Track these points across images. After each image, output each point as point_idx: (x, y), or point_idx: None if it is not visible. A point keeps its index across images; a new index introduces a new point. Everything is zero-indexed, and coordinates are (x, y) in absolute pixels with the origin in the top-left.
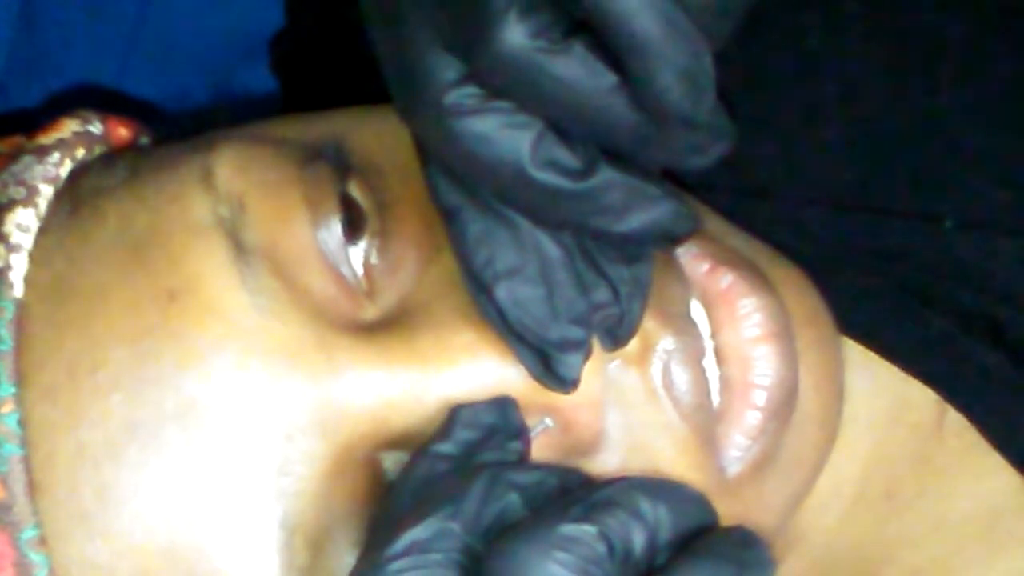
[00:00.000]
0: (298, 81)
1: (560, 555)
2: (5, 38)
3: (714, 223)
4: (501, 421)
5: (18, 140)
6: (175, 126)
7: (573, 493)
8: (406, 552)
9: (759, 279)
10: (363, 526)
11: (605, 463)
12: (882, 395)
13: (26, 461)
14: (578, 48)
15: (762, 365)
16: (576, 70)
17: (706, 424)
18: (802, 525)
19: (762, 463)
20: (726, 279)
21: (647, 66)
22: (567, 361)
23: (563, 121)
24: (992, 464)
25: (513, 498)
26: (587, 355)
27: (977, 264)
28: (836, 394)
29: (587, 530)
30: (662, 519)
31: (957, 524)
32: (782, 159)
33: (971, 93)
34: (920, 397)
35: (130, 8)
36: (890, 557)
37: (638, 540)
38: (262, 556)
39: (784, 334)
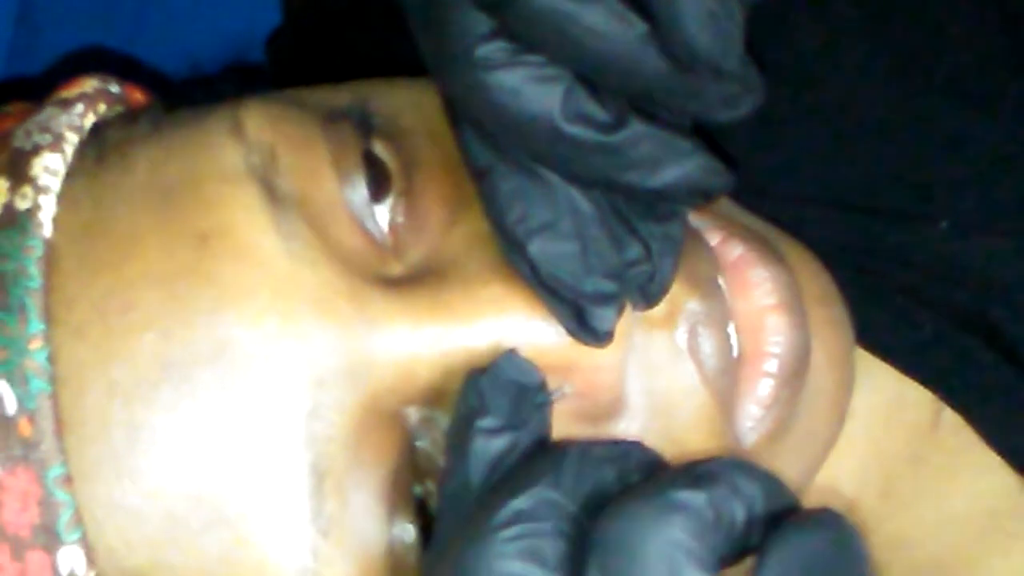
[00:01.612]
0: (294, 77)
1: (676, 518)
2: (4, 39)
3: (726, 204)
4: (522, 377)
5: (23, 105)
6: (183, 94)
7: (670, 467)
8: (511, 522)
9: (770, 252)
10: (391, 480)
11: (624, 430)
12: (878, 395)
13: (55, 398)
14: None
15: (774, 334)
16: (606, 19)
17: (727, 390)
18: None
19: (776, 434)
20: (737, 250)
21: (674, 11)
22: (601, 314)
23: (594, 73)
24: (988, 463)
25: (607, 471)
26: (621, 309)
27: (972, 265)
28: (848, 371)
29: (698, 496)
30: (756, 497)
31: (954, 523)
32: (778, 159)
33: (968, 93)
34: (916, 397)
35: (129, 9)
36: (887, 556)
37: (739, 513)
38: (292, 502)
39: (795, 304)
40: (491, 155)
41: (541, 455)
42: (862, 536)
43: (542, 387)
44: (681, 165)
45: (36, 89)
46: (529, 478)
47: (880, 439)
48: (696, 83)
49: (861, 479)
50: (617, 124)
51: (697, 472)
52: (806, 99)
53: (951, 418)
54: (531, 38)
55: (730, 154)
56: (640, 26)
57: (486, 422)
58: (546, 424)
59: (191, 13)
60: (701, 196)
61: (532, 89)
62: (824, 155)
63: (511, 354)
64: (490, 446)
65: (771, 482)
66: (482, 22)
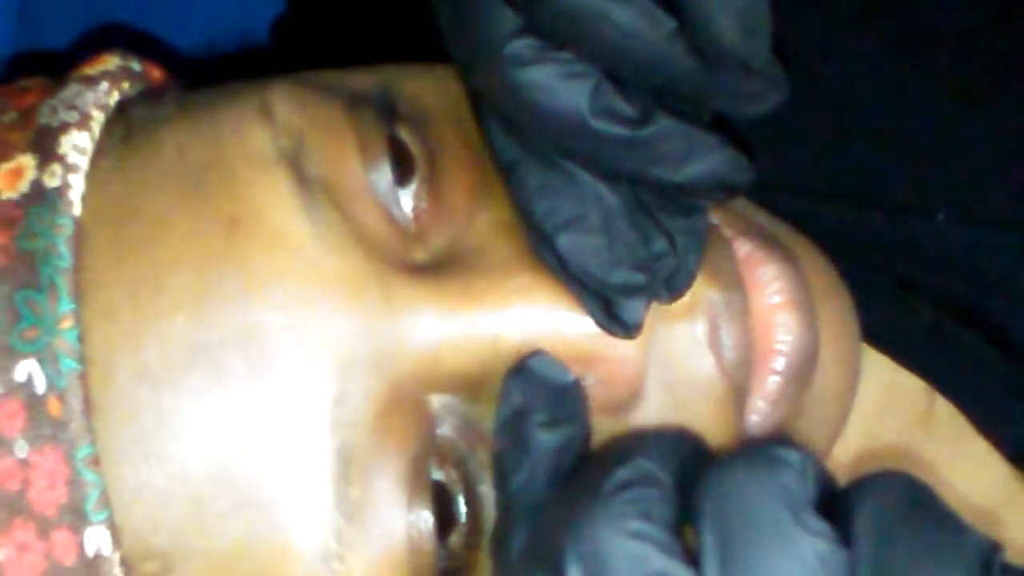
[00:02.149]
0: (298, 66)
1: (787, 468)
2: (4, 40)
3: (738, 200)
4: (557, 375)
5: (42, 80)
6: (198, 75)
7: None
8: (622, 488)
9: (779, 249)
10: (411, 466)
11: (641, 420)
12: (873, 385)
13: (84, 378)
14: None
15: (783, 332)
16: (635, 17)
17: (743, 384)
18: None
19: (781, 428)
20: (747, 247)
21: (704, 9)
22: (630, 305)
23: (622, 69)
24: (982, 453)
25: (683, 448)
26: (649, 300)
27: (969, 257)
28: (854, 366)
29: (795, 454)
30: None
31: None
32: (775, 152)
33: (965, 85)
34: (910, 387)
35: (128, 9)
36: None
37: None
38: (317, 486)
39: (804, 302)
40: (518, 150)
41: (619, 439)
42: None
43: (576, 385)
44: (707, 160)
45: (46, 64)
46: (623, 452)
47: (874, 428)
48: (723, 80)
49: (855, 468)
50: (644, 120)
51: (778, 440)
52: (803, 93)
53: (945, 408)
54: (559, 35)
55: (751, 149)
56: (668, 23)
57: (539, 417)
58: (588, 419)
59: (192, 9)
60: (726, 191)
61: (561, 85)
62: (822, 148)
63: (541, 355)
64: (551, 439)
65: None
66: (510, 19)
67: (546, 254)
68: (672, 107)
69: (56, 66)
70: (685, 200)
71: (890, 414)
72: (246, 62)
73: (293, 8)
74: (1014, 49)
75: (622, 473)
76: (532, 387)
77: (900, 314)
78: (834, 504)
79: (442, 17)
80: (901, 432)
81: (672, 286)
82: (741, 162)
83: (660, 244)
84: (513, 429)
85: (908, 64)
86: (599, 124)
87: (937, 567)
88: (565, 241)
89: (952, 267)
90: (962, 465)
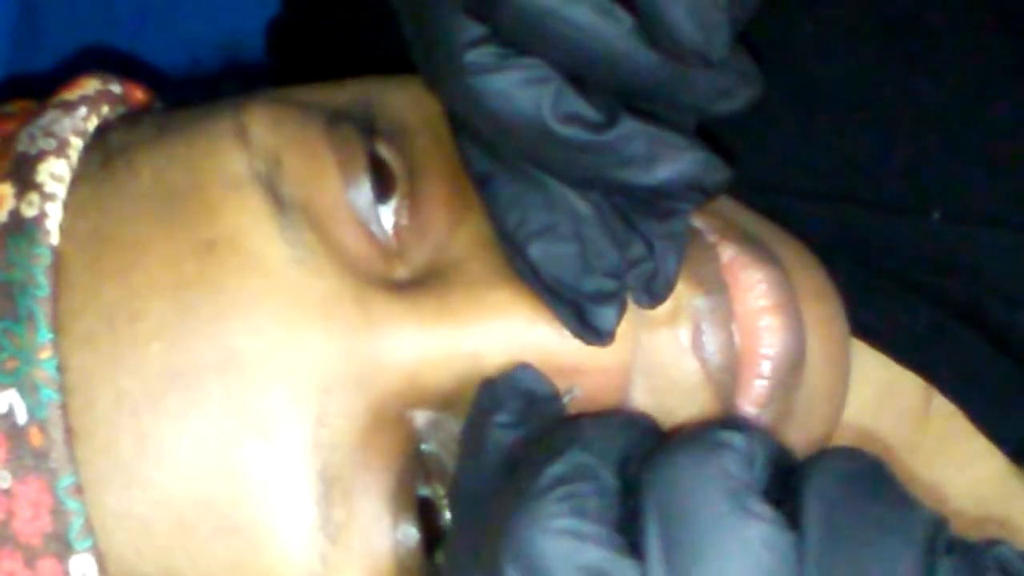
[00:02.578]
0: (294, 64)
1: (729, 452)
2: (4, 40)
3: (724, 202)
4: (535, 386)
5: (25, 103)
6: (185, 94)
7: (688, 426)
8: (553, 485)
9: (763, 252)
10: (396, 483)
11: None
12: (869, 383)
13: (64, 408)
14: None
15: (767, 335)
16: (591, 14)
17: (728, 389)
18: None
19: (771, 431)
20: (731, 251)
21: (657, 2)
22: (602, 312)
23: (584, 69)
24: (979, 450)
25: (627, 434)
26: (622, 307)
27: (965, 255)
28: (844, 367)
29: (739, 437)
30: (776, 451)
31: (944, 510)
32: (771, 150)
33: (962, 85)
34: (907, 385)
35: (130, 10)
36: None
37: (761, 457)
38: (300, 508)
39: (789, 306)
40: (490, 162)
41: (558, 429)
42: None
43: (555, 396)
44: (676, 161)
45: (37, 86)
46: (559, 446)
47: (871, 426)
48: (688, 75)
49: None
50: (608, 123)
51: (724, 422)
52: (799, 92)
53: (942, 406)
54: (520, 40)
55: (729, 149)
56: (626, 19)
57: (501, 418)
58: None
59: (192, 9)
60: (700, 192)
61: (522, 92)
62: (817, 147)
63: (524, 366)
64: (505, 438)
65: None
66: (471, 28)
67: (519, 264)
68: (646, 109)
69: (47, 89)
70: (660, 203)
71: (887, 412)
72: (239, 74)
73: (289, 9)
74: (1011, 49)
75: (554, 469)
76: (505, 393)
77: (898, 312)
78: (789, 483)
79: (406, 29)
80: (898, 430)
81: (652, 291)
82: (714, 162)
83: (638, 249)
84: (472, 430)
85: (906, 64)
86: (562, 129)
87: (883, 545)
88: (536, 251)
89: (948, 266)
90: (959, 462)
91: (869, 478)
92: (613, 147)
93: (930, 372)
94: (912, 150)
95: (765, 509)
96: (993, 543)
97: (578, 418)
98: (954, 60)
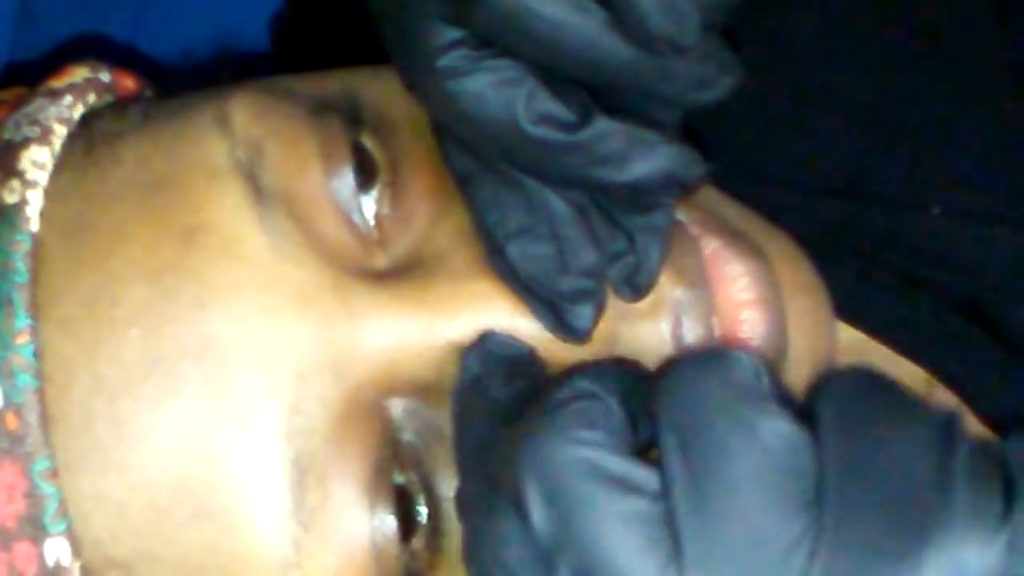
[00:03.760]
0: (297, 59)
1: (741, 359)
2: (4, 40)
3: (710, 194)
4: (512, 349)
5: (19, 90)
6: (177, 82)
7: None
8: (563, 403)
9: (746, 245)
10: (373, 472)
11: None
12: None
13: (41, 393)
14: None
15: (748, 328)
16: (565, 9)
17: None
18: None
19: None
20: (713, 244)
21: None
22: (579, 312)
23: (562, 66)
24: None
25: (627, 372)
26: (600, 306)
27: (964, 250)
28: (828, 361)
29: (737, 352)
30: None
31: None
32: (773, 146)
33: (961, 82)
34: (909, 377)
35: (129, 9)
36: None
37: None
38: (274, 494)
39: (770, 298)
40: (470, 162)
41: (558, 375)
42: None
43: (532, 353)
44: (650, 157)
45: (34, 74)
46: (562, 380)
47: None
48: (664, 65)
49: None
50: (582, 122)
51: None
52: (800, 87)
53: (943, 400)
54: (496, 40)
55: (704, 143)
56: (599, 13)
57: (493, 381)
58: (545, 376)
59: (193, 11)
60: (677, 186)
61: (495, 94)
62: (817, 141)
63: (493, 332)
64: (506, 391)
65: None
66: (445, 32)
67: (498, 263)
68: (625, 107)
69: (42, 76)
70: (639, 199)
71: None
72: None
73: (291, 4)
74: (1011, 47)
75: (562, 393)
76: (489, 357)
77: (899, 305)
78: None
79: (383, 33)
80: None
81: (634, 284)
82: (690, 156)
83: (620, 243)
84: (471, 392)
85: (906, 61)
86: (535, 130)
87: (901, 428)
88: (514, 251)
89: (948, 261)
90: None
91: (880, 385)
92: (587, 146)
93: (932, 364)
94: (912, 146)
95: (781, 408)
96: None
97: (576, 364)
98: (954, 57)
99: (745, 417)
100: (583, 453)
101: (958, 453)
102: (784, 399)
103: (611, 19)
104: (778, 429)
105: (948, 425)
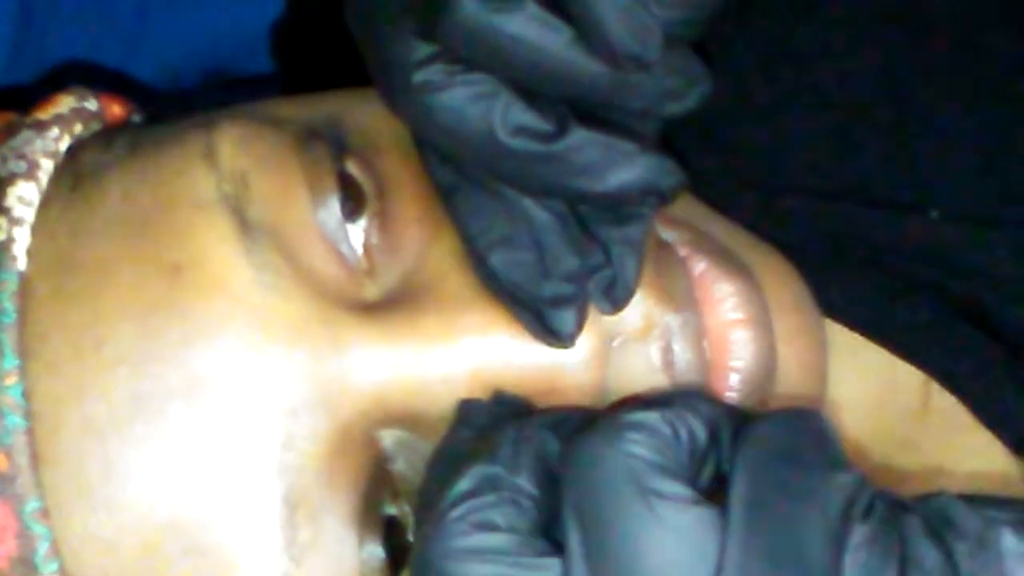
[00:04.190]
0: (298, 65)
1: (633, 435)
2: (4, 40)
3: (696, 209)
4: (510, 406)
5: (10, 116)
6: (166, 105)
7: (624, 403)
8: (458, 503)
9: (735, 266)
10: (362, 504)
11: None
12: (869, 379)
13: (30, 433)
14: (531, 5)
15: (737, 348)
16: (531, 27)
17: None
18: None
19: None
20: (701, 264)
21: (588, 10)
22: (560, 316)
23: (531, 82)
24: (978, 446)
25: (546, 434)
26: (581, 311)
27: (963, 253)
28: (820, 378)
29: (652, 415)
30: (721, 418)
31: None
32: (770, 149)
33: (960, 84)
34: (907, 380)
35: (129, 9)
36: None
37: (699, 431)
38: (265, 531)
39: (758, 318)
40: (452, 175)
41: (483, 439)
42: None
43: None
44: (628, 167)
45: (25, 97)
46: (469, 460)
47: (870, 423)
48: (631, 80)
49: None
50: (559, 132)
51: (649, 399)
52: (800, 91)
53: (940, 402)
54: (465, 54)
55: (681, 153)
56: (565, 31)
57: (462, 432)
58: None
59: (193, 8)
60: (655, 196)
61: (471, 107)
62: (816, 145)
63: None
64: (462, 448)
65: (732, 405)
66: (420, 48)
67: (482, 273)
68: (601, 118)
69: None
70: (622, 209)
71: (886, 408)
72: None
73: (293, 7)
74: (1011, 46)
75: (460, 486)
76: (474, 409)
77: (898, 307)
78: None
79: (361, 49)
80: (898, 426)
81: (612, 297)
82: (667, 166)
83: (596, 256)
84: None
85: (905, 64)
86: (512, 141)
87: (799, 517)
88: (496, 260)
89: (947, 263)
90: (959, 457)
91: (799, 444)
92: (564, 156)
93: (932, 366)
94: (912, 149)
95: (677, 490)
96: (930, 496)
97: (505, 424)
98: (954, 58)
99: (635, 506)
100: (468, 568)
101: (852, 539)
102: (694, 463)
103: (576, 36)
104: (674, 520)
105: (848, 506)
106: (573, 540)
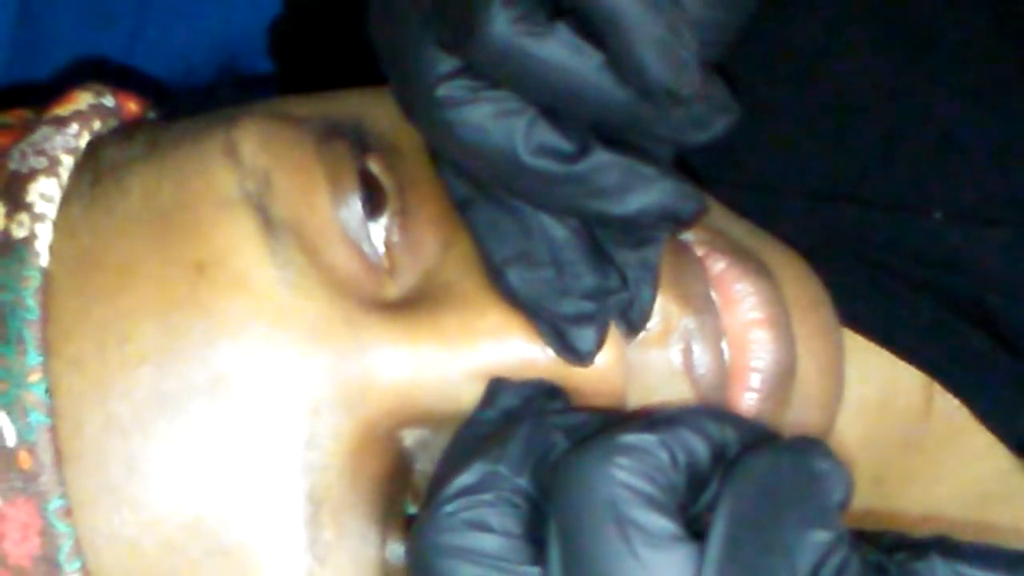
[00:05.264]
0: (295, 66)
1: (621, 460)
2: (4, 41)
3: (716, 212)
4: (538, 390)
5: (23, 113)
6: (180, 103)
7: (631, 417)
8: (456, 497)
9: (753, 265)
10: (385, 502)
11: None
12: (871, 381)
13: (54, 431)
14: (562, 29)
15: (757, 348)
16: (562, 51)
17: (720, 403)
18: None
19: None
20: (720, 264)
21: (623, 40)
22: (581, 334)
23: (557, 104)
24: (980, 448)
25: (558, 438)
26: (603, 328)
27: (967, 254)
28: (838, 378)
29: (647, 438)
30: (729, 438)
31: (946, 508)
32: (773, 151)
33: (963, 86)
34: (909, 382)
35: (129, 10)
36: None
37: (703, 453)
38: (289, 530)
39: (778, 318)
40: (469, 188)
41: (496, 431)
42: (833, 455)
43: (558, 389)
44: (648, 192)
45: (36, 94)
46: (478, 454)
47: (873, 425)
48: (659, 109)
49: (853, 465)
50: (581, 154)
51: (653, 418)
52: (801, 92)
53: (942, 404)
54: (493, 74)
55: (700, 178)
56: (596, 57)
57: (486, 414)
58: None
59: (194, 9)
60: (673, 221)
61: (494, 124)
62: (819, 147)
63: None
64: (476, 433)
65: (746, 423)
66: (444, 61)
67: (500, 288)
68: (621, 139)
69: (45, 97)
70: (635, 232)
71: (888, 410)
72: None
73: (291, 7)
74: (1012, 51)
75: (459, 481)
76: (507, 390)
77: (901, 309)
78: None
79: (381, 60)
80: (900, 428)
81: (629, 319)
82: (685, 192)
83: (612, 279)
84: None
85: (907, 65)
86: (534, 161)
87: (770, 570)
88: (514, 276)
89: (950, 264)
90: (962, 459)
91: (789, 485)
92: (585, 178)
93: (934, 367)
94: (913, 150)
95: (657, 524)
96: (923, 552)
97: (524, 417)
98: (957, 61)
99: (623, 532)
100: (452, 567)
101: None
102: (692, 486)
103: (606, 62)
104: (651, 554)
105: (819, 567)
106: (554, 555)
